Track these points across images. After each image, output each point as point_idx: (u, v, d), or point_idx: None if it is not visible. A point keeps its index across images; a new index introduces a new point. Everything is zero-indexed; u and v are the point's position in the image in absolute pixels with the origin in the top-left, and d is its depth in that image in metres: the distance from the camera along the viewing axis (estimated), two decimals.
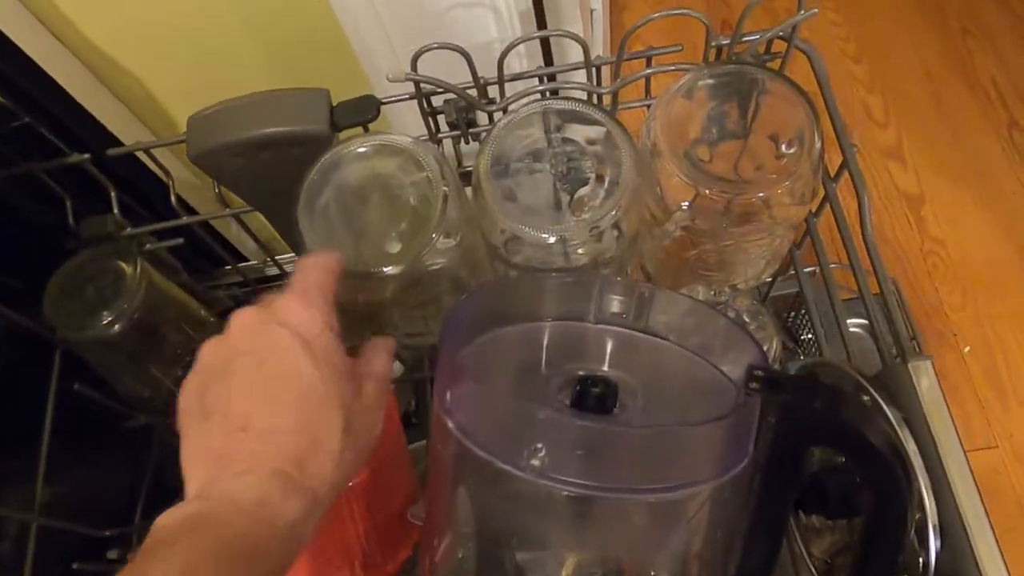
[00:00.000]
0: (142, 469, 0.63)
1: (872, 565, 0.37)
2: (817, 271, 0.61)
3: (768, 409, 0.37)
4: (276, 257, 0.69)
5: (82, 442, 0.62)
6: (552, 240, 0.45)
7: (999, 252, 1.26)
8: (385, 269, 0.45)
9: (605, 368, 0.44)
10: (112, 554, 0.59)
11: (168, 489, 0.61)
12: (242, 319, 0.35)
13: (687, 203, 0.50)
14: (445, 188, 0.46)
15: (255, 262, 0.74)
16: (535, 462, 0.34)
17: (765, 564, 0.40)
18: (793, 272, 0.58)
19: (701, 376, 0.45)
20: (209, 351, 0.35)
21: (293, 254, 0.68)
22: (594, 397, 0.41)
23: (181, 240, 0.62)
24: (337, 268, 0.38)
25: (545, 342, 0.47)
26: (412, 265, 0.46)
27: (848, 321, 0.87)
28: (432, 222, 0.46)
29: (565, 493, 0.34)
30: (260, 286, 0.72)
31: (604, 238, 0.46)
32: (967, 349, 1.20)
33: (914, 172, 1.34)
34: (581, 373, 0.43)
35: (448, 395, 0.38)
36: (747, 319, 0.51)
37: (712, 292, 0.52)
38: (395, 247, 0.47)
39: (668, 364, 0.46)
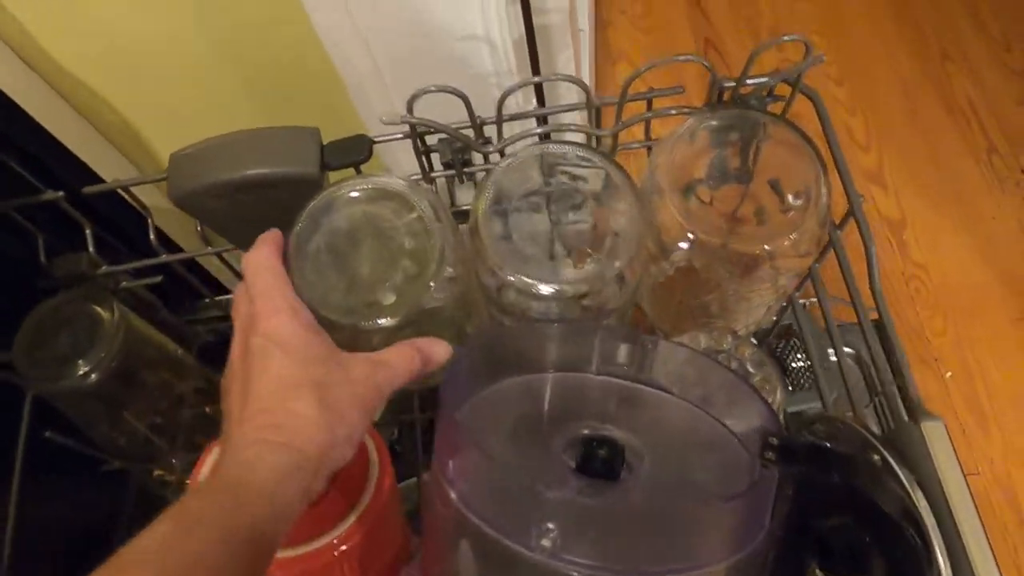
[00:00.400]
0: (117, 515, 0.60)
1: None
2: (809, 304, 0.61)
3: (783, 480, 0.35)
4: None
5: (54, 488, 0.59)
6: (551, 291, 0.43)
7: (979, 276, 1.27)
8: (380, 322, 0.43)
9: (609, 426, 0.43)
10: None
11: None
12: (234, 348, 0.40)
13: (685, 243, 0.49)
14: (442, 240, 0.44)
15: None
16: (545, 543, 0.32)
17: None
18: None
19: (708, 433, 0.43)
20: (224, 380, 0.40)
21: None
22: (600, 460, 0.39)
23: (160, 278, 0.59)
24: (279, 253, 0.42)
25: (547, 395, 0.46)
26: (407, 316, 0.44)
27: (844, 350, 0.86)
28: (428, 272, 0.44)
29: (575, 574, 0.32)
30: None
31: (607, 289, 0.44)
32: (948, 374, 1.21)
33: (895, 196, 1.34)
34: (586, 433, 0.41)
35: (450, 464, 0.36)
36: (751, 369, 0.49)
37: (713, 339, 0.51)
38: (389, 297, 0.45)
39: (673, 420, 0.45)
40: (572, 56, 0.83)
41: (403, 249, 0.46)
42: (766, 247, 0.46)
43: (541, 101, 0.73)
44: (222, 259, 0.58)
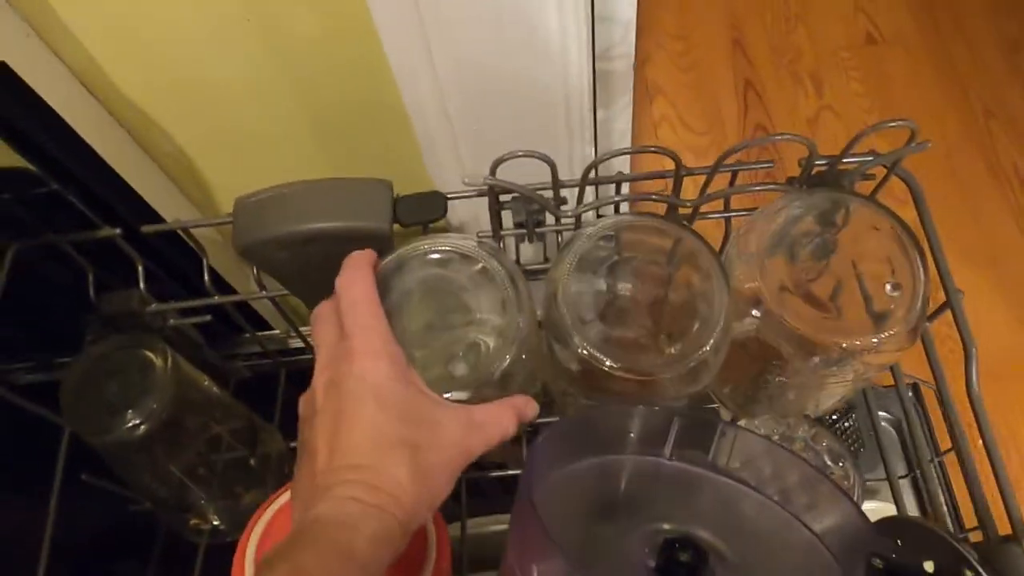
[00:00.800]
0: (146, 561, 0.58)
1: None
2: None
3: None
4: (301, 329, 0.65)
5: (82, 529, 0.57)
6: (635, 377, 0.41)
7: (1013, 340, 1.25)
8: (449, 395, 0.41)
9: (691, 525, 0.40)
10: None
11: None
12: (321, 376, 0.38)
13: (757, 312, 0.47)
14: (520, 312, 0.42)
15: (277, 331, 0.70)
16: None
17: None
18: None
19: (791, 537, 0.41)
20: (301, 404, 0.39)
21: None
22: (683, 568, 0.37)
23: (209, 317, 0.57)
24: (375, 282, 0.40)
25: (622, 482, 0.44)
26: (478, 389, 0.42)
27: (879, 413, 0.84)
28: (505, 345, 0.42)
29: None
30: (281, 358, 0.67)
31: (699, 375, 0.42)
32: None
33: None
34: (667, 531, 0.39)
35: (535, 570, 0.34)
36: (828, 461, 0.47)
37: (787, 427, 0.49)
38: (461, 369, 0.43)
39: (754, 518, 0.42)
40: (630, 101, 0.81)
41: (477, 318, 0.44)
42: (857, 343, 0.43)
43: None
44: (275, 303, 0.56)
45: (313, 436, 0.37)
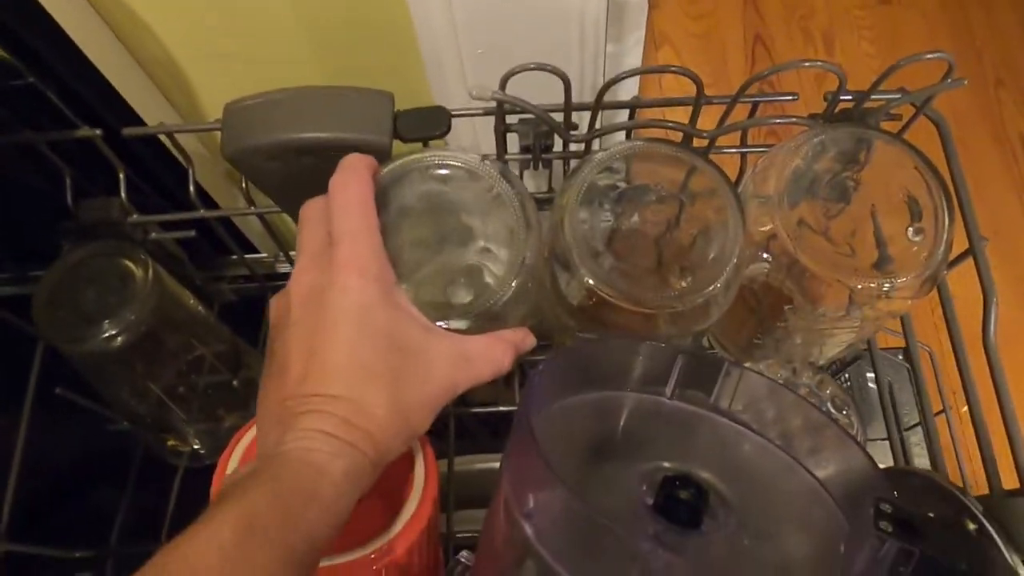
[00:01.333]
0: (122, 483, 0.56)
1: None
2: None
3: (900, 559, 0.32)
4: (291, 253, 0.62)
5: (59, 443, 0.55)
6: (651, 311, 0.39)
7: (1012, 312, 1.24)
8: (446, 324, 0.38)
9: (691, 463, 0.39)
10: None
11: (150, 510, 0.54)
12: (300, 282, 0.35)
13: (767, 255, 0.45)
14: (529, 245, 0.40)
15: (265, 255, 0.67)
16: None
17: None
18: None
19: (793, 482, 0.40)
20: (273, 307, 0.36)
21: None
22: (683, 505, 0.36)
23: (193, 232, 0.54)
24: (372, 183, 0.37)
25: (621, 418, 0.42)
26: (479, 320, 0.40)
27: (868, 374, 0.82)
28: (510, 275, 0.40)
29: None
30: (269, 283, 0.65)
31: (707, 312, 0.40)
32: (964, 409, 1.18)
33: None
34: (667, 469, 0.38)
35: (531, 499, 0.32)
36: (831, 409, 0.46)
37: (792, 371, 0.47)
38: (463, 296, 0.41)
39: (756, 462, 0.41)
40: (642, 39, 0.78)
41: (481, 242, 0.41)
42: (872, 285, 0.41)
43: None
44: (263, 220, 0.53)
45: (285, 350, 0.34)
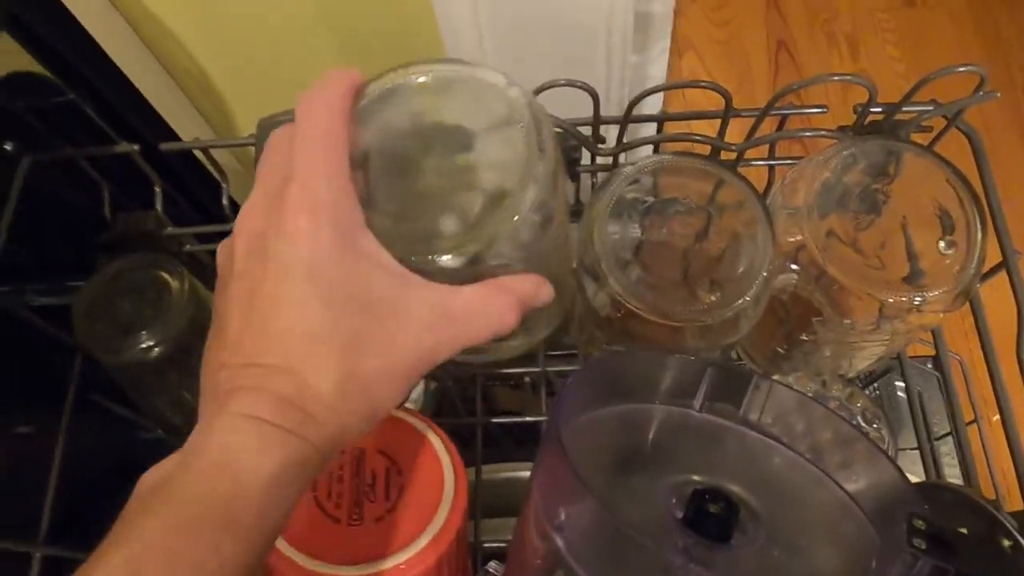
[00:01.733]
0: None
1: None
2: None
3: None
4: None
5: (92, 455, 0.56)
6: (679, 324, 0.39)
7: None
8: (439, 259, 0.30)
9: (721, 477, 0.39)
10: None
11: None
12: (246, 228, 0.29)
13: (795, 266, 0.45)
14: (537, 162, 0.31)
15: None
16: None
17: None
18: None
19: (824, 497, 0.40)
20: (219, 256, 0.31)
21: None
22: (713, 519, 0.36)
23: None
24: (350, 99, 0.30)
25: (651, 430, 0.42)
26: (477, 256, 0.31)
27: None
28: (515, 199, 0.30)
29: None
30: None
31: (736, 325, 0.40)
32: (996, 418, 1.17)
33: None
34: (697, 485, 0.38)
35: (562, 513, 0.33)
36: (862, 423, 0.45)
37: (822, 384, 0.47)
38: (451, 224, 0.31)
39: (786, 476, 0.41)
40: (667, 48, 0.78)
41: (484, 167, 0.33)
42: (903, 299, 0.41)
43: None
44: None
45: (224, 309, 0.29)
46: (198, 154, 0.51)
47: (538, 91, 0.41)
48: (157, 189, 0.51)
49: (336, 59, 0.58)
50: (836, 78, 0.41)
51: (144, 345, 0.44)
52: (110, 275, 0.46)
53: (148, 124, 0.53)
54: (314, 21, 0.54)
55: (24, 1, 0.43)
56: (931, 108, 0.42)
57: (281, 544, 0.38)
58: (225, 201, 0.51)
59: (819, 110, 0.45)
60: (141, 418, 0.54)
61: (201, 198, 0.57)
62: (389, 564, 0.39)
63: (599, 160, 0.49)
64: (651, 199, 0.45)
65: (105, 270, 0.46)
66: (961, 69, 0.39)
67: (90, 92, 0.49)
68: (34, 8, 0.45)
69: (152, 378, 0.47)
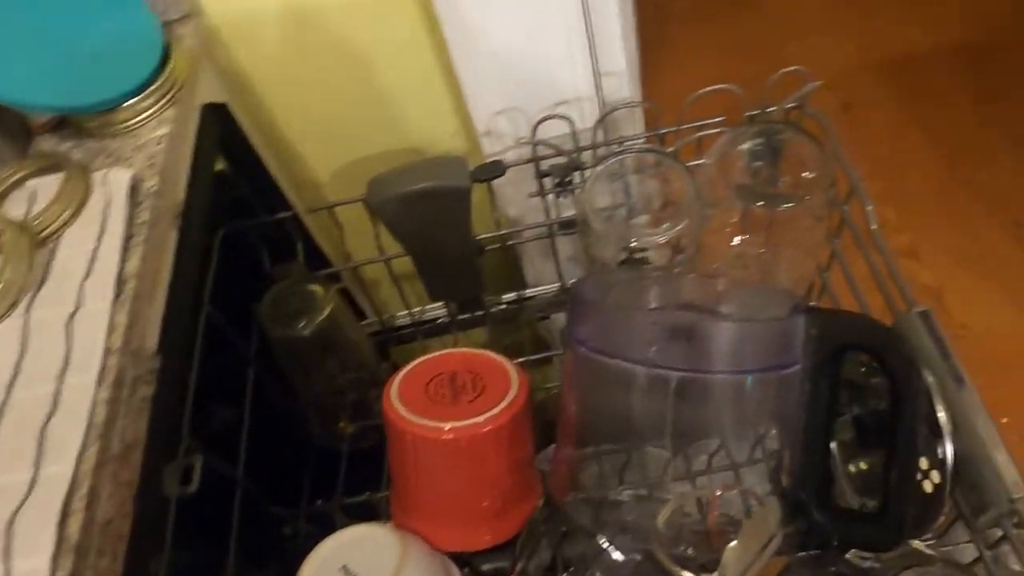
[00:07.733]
0: (305, 461, 0.78)
1: (899, 435, 0.50)
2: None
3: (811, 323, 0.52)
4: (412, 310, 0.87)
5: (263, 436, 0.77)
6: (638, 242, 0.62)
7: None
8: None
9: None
10: (287, 530, 0.72)
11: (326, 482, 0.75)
12: None
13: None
14: None
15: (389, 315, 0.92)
16: (651, 354, 0.50)
17: (817, 462, 0.53)
18: None
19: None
20: None
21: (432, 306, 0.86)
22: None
23: (341, 284, 0.80)
24: None
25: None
26: None
27: None
28: None
29: (675, 376, 0.49)
30: (392, 333, 0.89)
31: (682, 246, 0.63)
32: (1004, 420, 1.30)
33: (931, 268, 1.49)
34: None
35: (576, 330, 0.54)
36: None
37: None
38: None
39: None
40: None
41: None
42: (787, 205, 0.64)
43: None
44: (388, 266, 0.78)
45: None
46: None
47: (539, 123, 0.67)
48: (299, 245, 0.76)
49: (385, 145, 0.88)
50: (719, 87, 0.66)
51: (301, 324, 0.68)
52: (284, 286, 0.71)
53: (282, 203, 0.81)
54: (382, 136, 0.84)
55: (223, 128, 0.72)
56: (780, 106, 0.67)
57: (402, 409, 0.59)
58: (346, 246, 0.76)
59: (719, 120, 0.70)
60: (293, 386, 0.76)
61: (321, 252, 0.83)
62: (481, 418, 0.59)
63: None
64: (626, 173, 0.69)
65: (279, 285, 0.71)
66: (790, 69, 0.64)
67: (252, 185, 0.77)
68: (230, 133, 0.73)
69: (304, 352, 0.70)
